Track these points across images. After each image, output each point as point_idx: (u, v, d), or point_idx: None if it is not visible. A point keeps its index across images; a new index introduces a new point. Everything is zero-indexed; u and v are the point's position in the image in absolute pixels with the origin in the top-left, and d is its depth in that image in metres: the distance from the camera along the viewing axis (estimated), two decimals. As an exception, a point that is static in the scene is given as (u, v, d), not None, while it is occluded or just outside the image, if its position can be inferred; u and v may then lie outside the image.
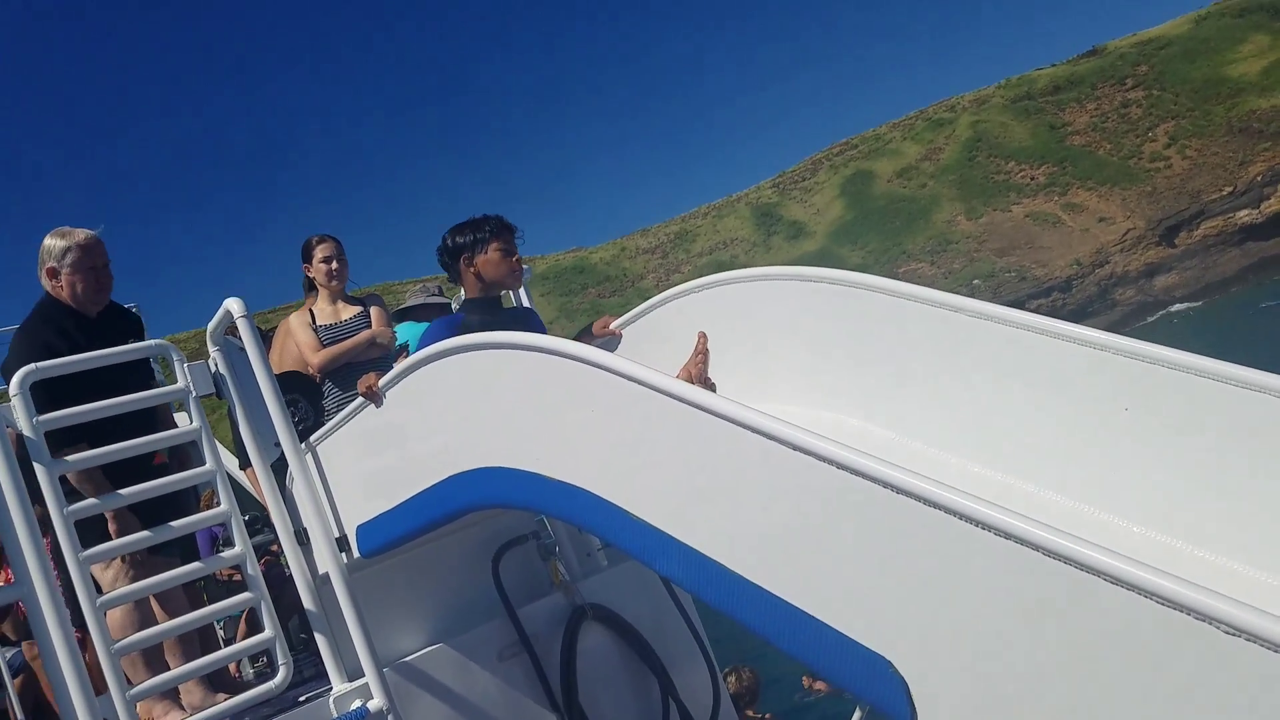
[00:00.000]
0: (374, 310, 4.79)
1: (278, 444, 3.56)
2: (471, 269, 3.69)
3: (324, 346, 4.58)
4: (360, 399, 3.42)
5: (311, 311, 4.73)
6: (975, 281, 43.23)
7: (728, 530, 2.29)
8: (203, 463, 3.55)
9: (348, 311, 4.73)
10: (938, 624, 1.90)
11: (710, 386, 3.31)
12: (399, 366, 3.29)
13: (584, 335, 3.75)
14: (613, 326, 3.74)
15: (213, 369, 3.65)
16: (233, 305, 3.48)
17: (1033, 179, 47.51)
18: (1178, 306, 40.25)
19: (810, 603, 2.11)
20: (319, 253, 4.75)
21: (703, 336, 3.41)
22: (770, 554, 2.20)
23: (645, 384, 2.39)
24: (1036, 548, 1.68)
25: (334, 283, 4.74)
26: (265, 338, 5.11)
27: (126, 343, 3.69)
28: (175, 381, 3.63)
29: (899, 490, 1.88)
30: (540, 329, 3.81)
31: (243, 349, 3.52)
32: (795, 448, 2.04)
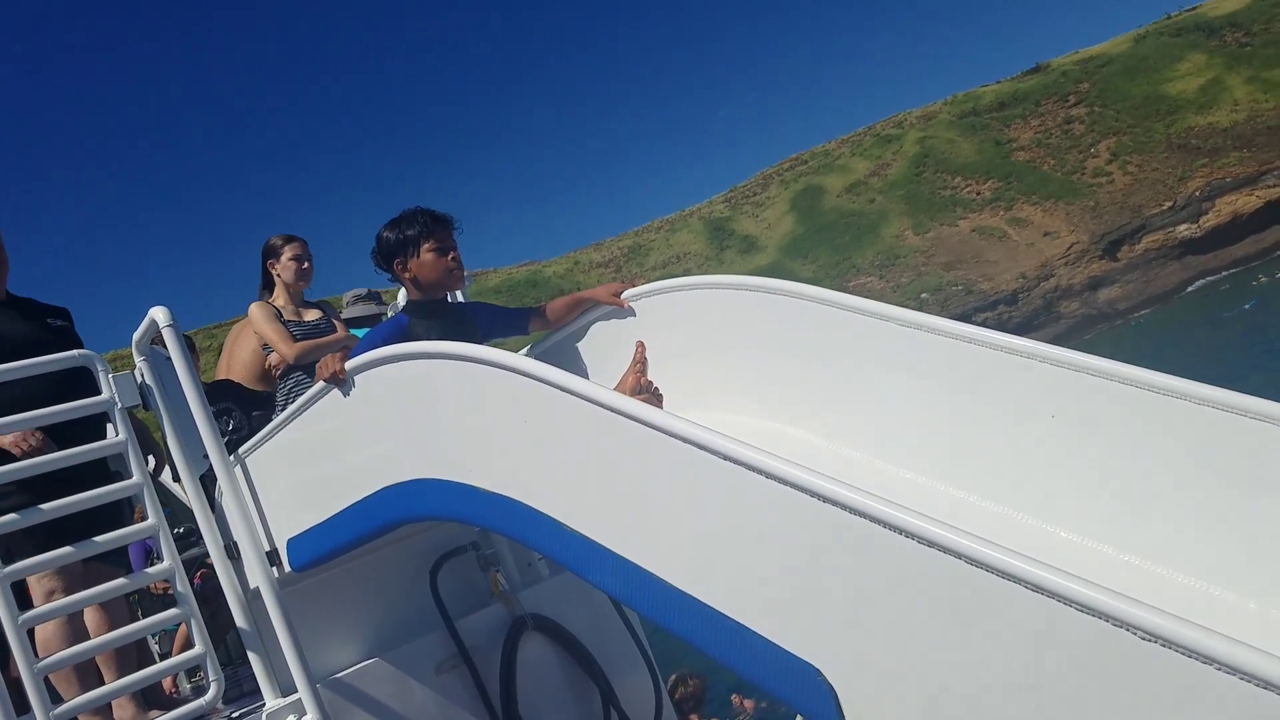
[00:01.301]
0: (336, 322, 4.73)
1: (206, 455, 3.48)
2: (407, 274, 3.44)
3: (296, 340, 4.48)
4: (299, 402, 3.33)
5: (275, 308, 4.63)
6: (923, 295, 43.89)
7: (659, 540, 2.28)
8: (131, 475, 3.45)
9: (310, 314, 4.65)
10: (865, 632, 1.90)
11: (656, 394, 3.23)
12: (354, 361, 3.17)
13: (582, 301, 3.61)
14: (624, 297, 3.51)
15: (139, 380, 3.56)
16: (158, 314, 3.39)
17: (979, 194, 48.41)
18: (1119, 321, 41.23)
19: (740, 611, 2.10)
20: (289, 251, 4.63)
21: (640, 345, 3.35)
22: (700, 563, 2.20)
23: (577, 394, 2.37)
24: (958, 555, 1.69)
25: (302, 282, 4.65)
26: (192, 347, 4.98)
27: (46, 328, 3.62)
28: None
29: (824, 499, 1.88)
30: (490, 317, 3.65)
31: (169, 359, 3.43)
32: (723, 456, 2.04)
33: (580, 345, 3.67)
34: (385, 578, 3.97)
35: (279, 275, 4.58)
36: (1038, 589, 1.60)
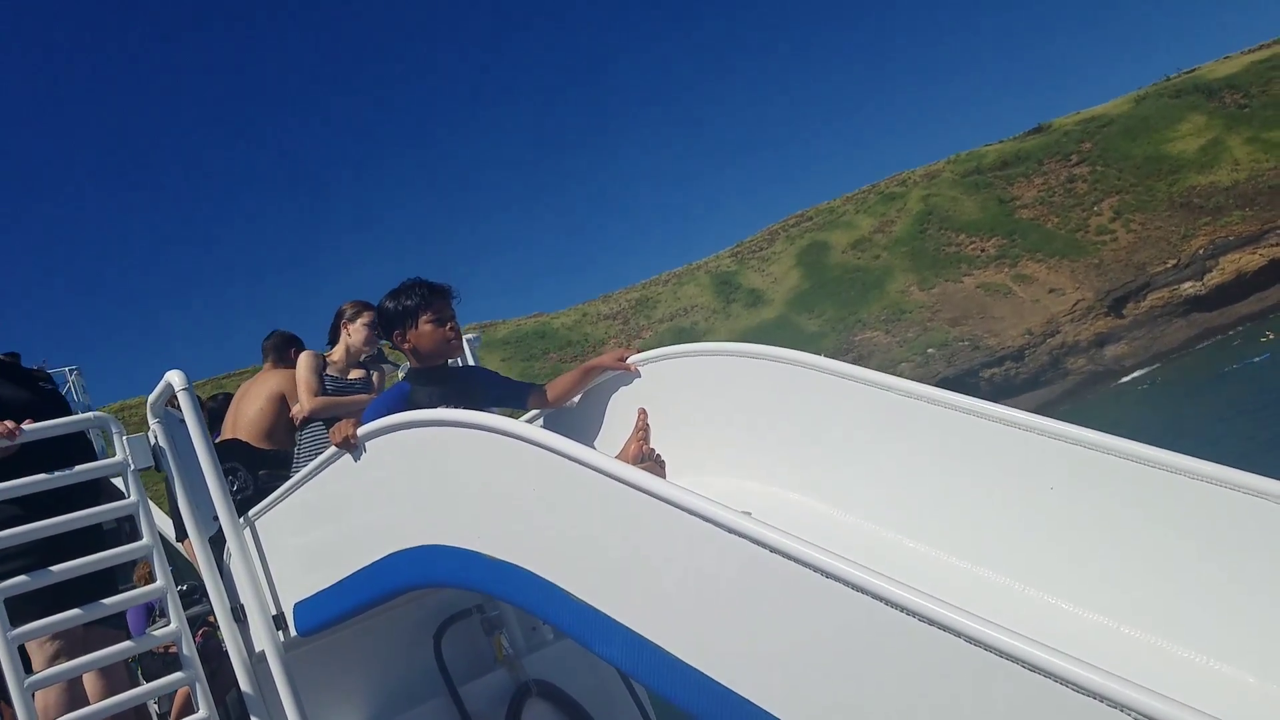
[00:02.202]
0: (375, 376, 4.97)
1: (216, 518, 3.51)
2: (406, 344, 3.50)
3: (324, 394, 4.72)
4: (310, 467, 3.37)
5: (325, 360, 4.88)
6: (929, 350, 43.92)
7: (664, 611, 2.29)
8: (140, 536, 3.48)
9: (355, 373, 4.93)
10: (872, 708, 1.91)
11: (659, 461, 3.23)
12: (365, 428, 3.21)
13: (590, 371, 3.60)
14: (630, 361, 3.51)
15: (152, 441, 3.61)
16: (174, 378, 3.45)
17: (983, 251, 48.68)
18: (1133, 375, 41.17)
19: (747, 686, 2.11)
20: (364, 317, 4.91)
21: (642, 413, 3.34)
22: (705, 635, 2.21)
23: (581, 462, 2.40)
24: (967, 638, 1.71)
25: (367, 348, 4.95)
26: (204, 408, 5.09)
27: (36, 392, 3.68)
28: (114, 449, 3.58)
29: (827, 574, 1.90)
30: (490, 382, 3.70)
31: (183, 421, 3.48)
32: (724, 528, 2.06)
33: (586, 410, 3.71)
34: (389, 642, 3.97)
35: (348, 336, 4.87)
36: (1035, 669, 1.62)
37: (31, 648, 3.49)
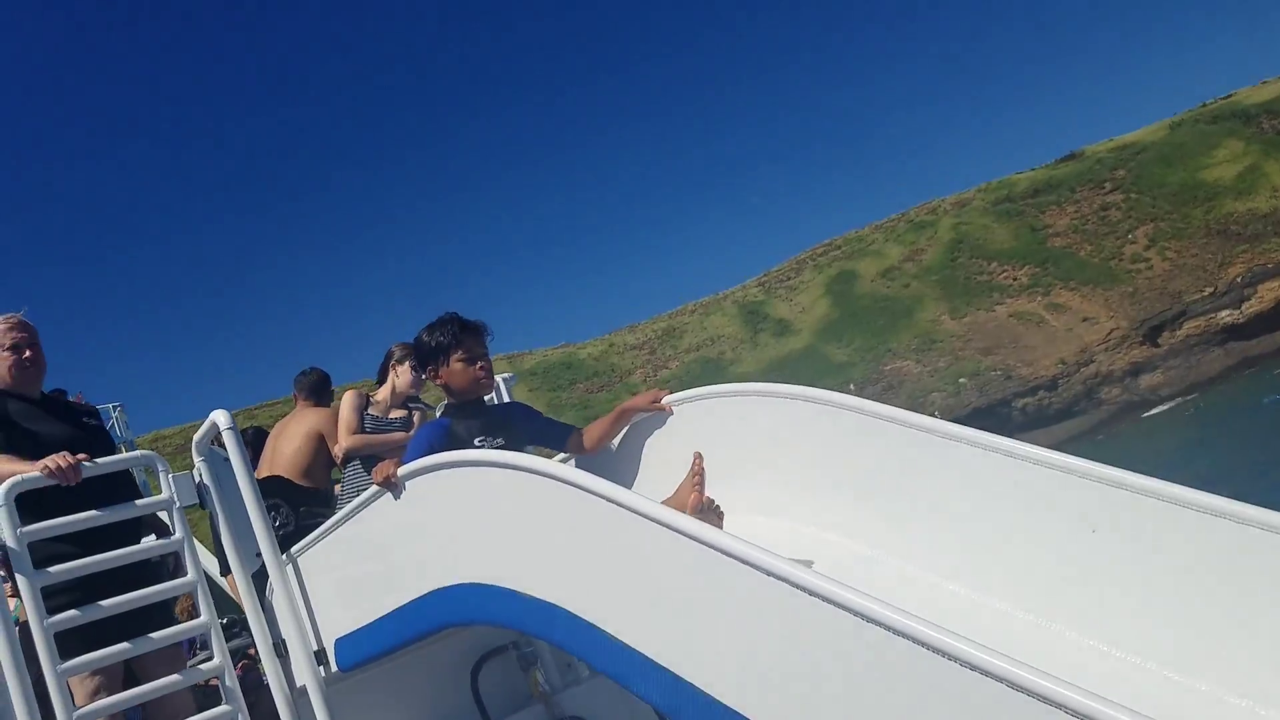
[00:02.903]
0: (416, 415, 5.07)
1: (259, 554, 3.58)
2: (439, 380, 3.57)
3: (362, 432, 4.84)
4: (352, 505, 3.44)
5: (368, 398, 5.02)
6: (961, 380, 43.54)
7: (707, 654, 2.31)
8: (185, 572, 3.55)
9: (397, 412, 5.06)
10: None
11: (717, 512, 3.12)
12: (407, 467, 3.25)
13: (625, 413, 3.60)
14: (665, 401, 3.52)
15: (197, 479, 3.69)
16: (219, 418, 3.54)
17: (1015, 279, 48.30)
18: (1161, 407, 40.51)
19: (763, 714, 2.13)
20: (406, 361, 5.06)
21: (698, 457, 3.27)
22: (747, 679, 2.22)
23: (624, 506, 2.44)
24: (1008, 683, 1.72)
25: (414, 390, 5.09)
26: (247, 438, 5.21)
27: (81, 427, 3.78)
28: (158, 483, 3.67)
29: (873, 621, 1.92)
30: (530, 418, 3.75)
31: (227, 460, 3.56)
32: (777, 577, 2.08)
33: (621, 448, 3.75)
34: (427, 676, 4.00)
35: (396, 377, 5.00)
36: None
37: (73, 683, 3.54)
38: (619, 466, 3.67)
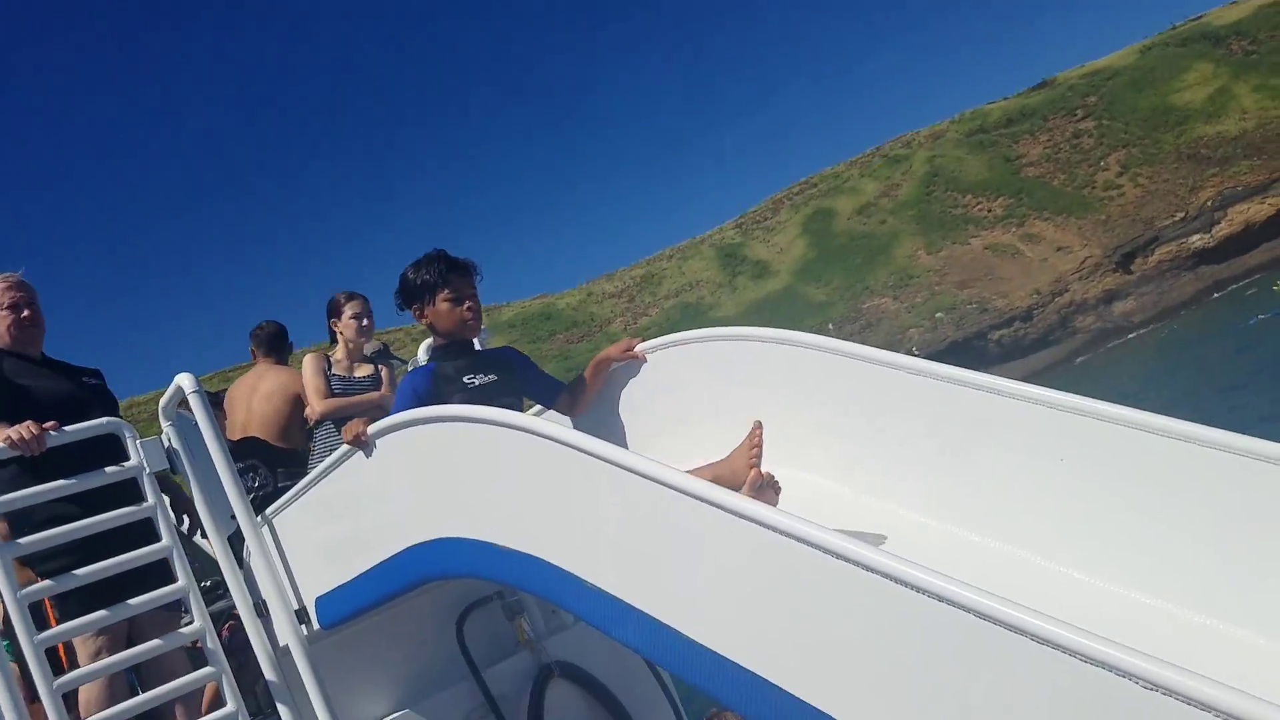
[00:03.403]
0: (385, 372, 4.90)
1: (234, 516, 3.55)
2: (425, 319, 3.41)
3: (331, 395, 4.68)
4: (324, 464, 3.40)
5: (328, 358, 4.81)
6: (938, 314, 43.78)
7: (684, 597, 2.31)
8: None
9: (362, 369, 4.86)
10: (890, 688, 1.93)
11: (774, 485, 2.76)
12: (375, 427, 3.21)
13: (601, 365, 3.53)
14: (638, 350, 3.45)
15: (166, 444, 3.64)
16: (184, 381, 3.48)
17: (990, 211, 48.40)
18: (1134, 334, 40.91)
19: (766, 668, 2.14)
20: (349, 309, 4.89)
21: (758, 427, 2.86)
22: (724, 620, 2.23)
23: (599, 457, 2.42)
24: (980, 615, 1.72)
25: (360, 339, 4.88)
26: (215, 401, 5.11)
27: (81, 386, 3.72)
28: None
29: (846, 559, 1.92)
30: (525, 366, 3.58)
31: (195, 424, 3.52)
32: (751, 520, 2.08)
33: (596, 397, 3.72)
34: (412, 630, 4.01)
35: (341, 333, 4.80)
36: (1044, 642, 1.63)
37: (77, 644, 3.58)
38: (596, 415, 3.65)
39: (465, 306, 3.38)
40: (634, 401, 3.51)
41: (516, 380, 3.50)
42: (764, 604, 2.11)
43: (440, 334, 3.45)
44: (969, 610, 1.73)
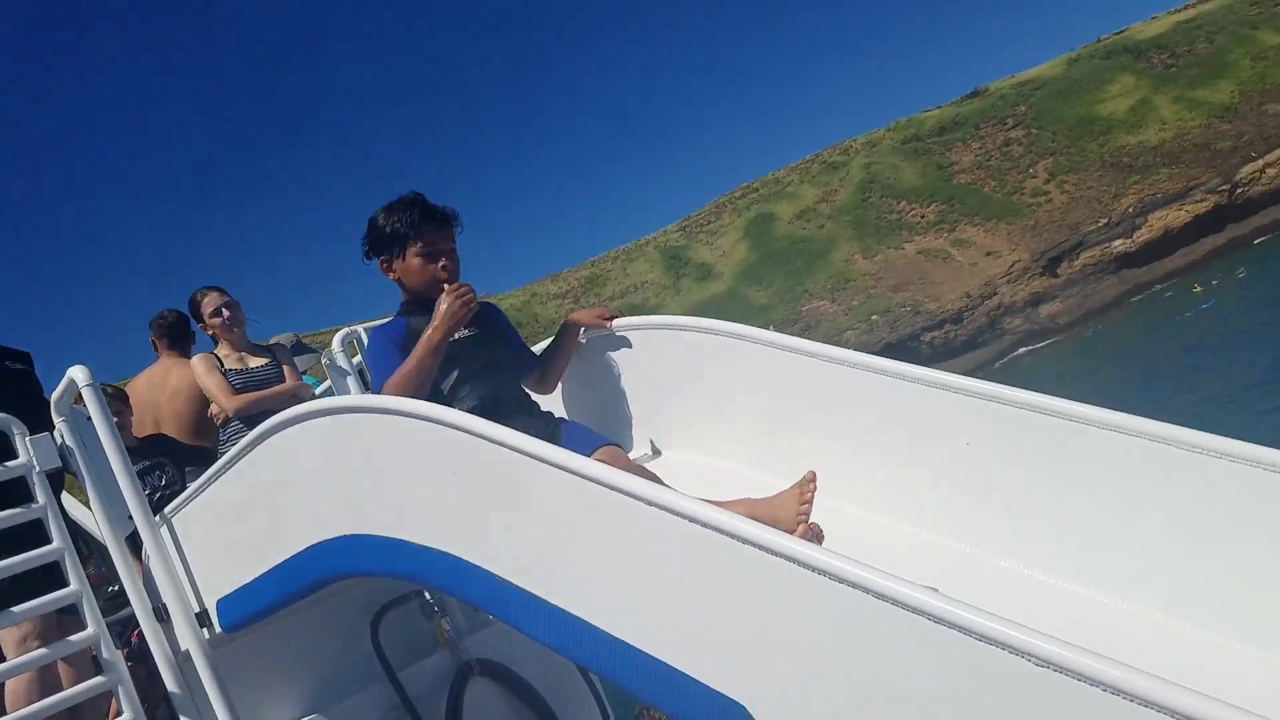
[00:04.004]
0: (286, 368, 4.73)
1: (131, 517, 3.39)
2: (392, 274, 2.98)
3: (237, 392, 4.48)
4: (225, 457, 3.25)
5: (217, 357, 4.62)
6: (874, 317, 44.48)
7: (591, 588, 2.27)
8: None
9: (255, 360, 4.63)
10: (793, 671, 1.91)
11: (818, 534, 2.47)
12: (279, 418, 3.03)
13: (567, 330, 3.34)
14: (612, 325, 3.25)
15: (58, 441, 3.46)
16: (77, 374, 3.31)
17: (923, 217, 49.31)
18: (1060, 335, 42.02)
19: (674, 656, 2.10)
20: (206, 307, 4.67)
21: (811, 478, 2.51)
22: (632, 610, 2.19)
23: (510, 446, 2.34)
24: (873, 594, 1.70)
25: (235, 330, 4.64)
26: (120, 396, 4.90)
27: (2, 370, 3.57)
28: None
29: (745, 541, 1.89)
30: (506, 328, 3.29)
31: (90, 419, 3.35)
32: (650, 503, 2.04)
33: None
34: (325, 631, 3.89)
35: (211, 332, 4.63)
36: (955, 627, 1.61)
37: (5, 635, 3.43)
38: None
39: (441, 265, 2.96)
40: (591, 379, 3.47)
41: (500, 336, 3.21)
42: (682, 597, 2.07)
43: (409, 290, 3.04)
44: (864, 590, 1.70)
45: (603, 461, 2.36)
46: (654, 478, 2.55)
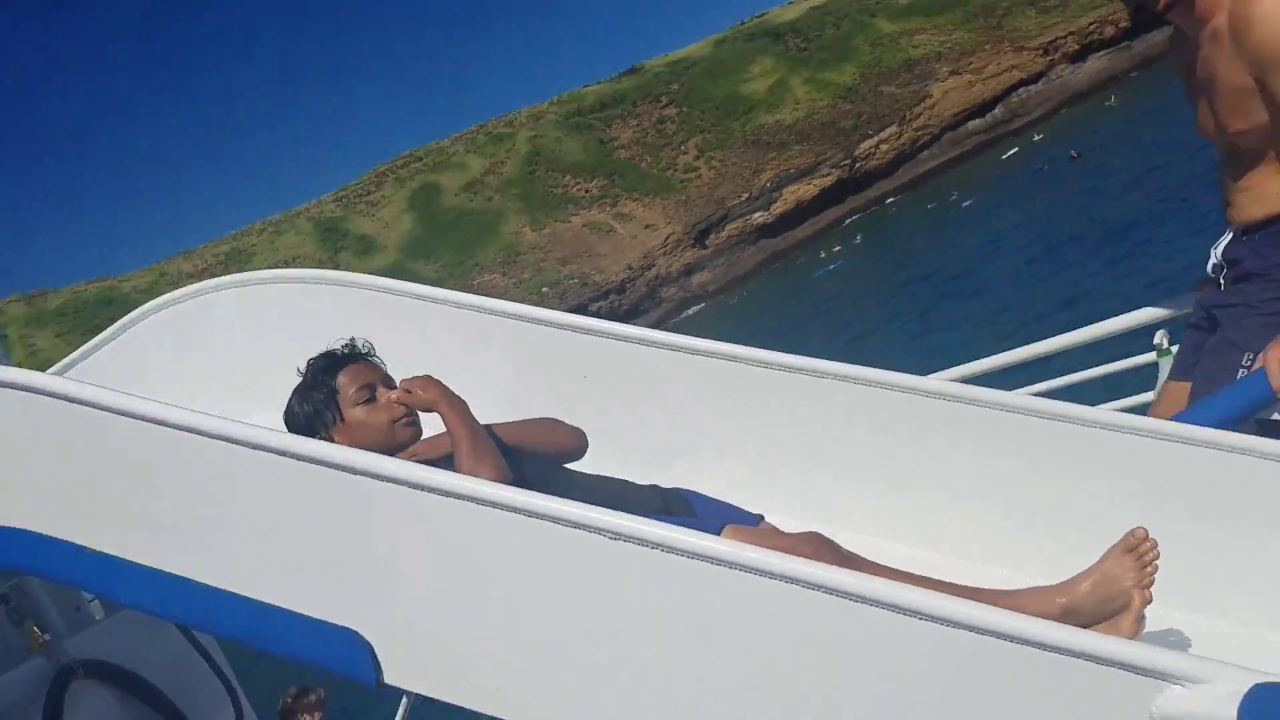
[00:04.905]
0: None
1: None
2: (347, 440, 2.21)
3: None
4: None
5: None
6: (544, 289, 45.64)
7: (184, 542, 2.18)
8: None
9: None
10: (395, 592, 1.95)
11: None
12: None
13: None
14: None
15: None
16: None
17: (587, 191, 51.23)
18: (709, 301, 45.63)
19: (281, 596, 2.08)
20: None
21: (1147, 538, 1.48)
22: (231, 555, 2.14)
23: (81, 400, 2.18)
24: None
25: None
26: None
27: None
28: None
29: (310, 460, 1.90)
30: None
31: None
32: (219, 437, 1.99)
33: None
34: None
35: None
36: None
37: None
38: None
39: (390, 399, 2.24)
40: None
41: None
42: (259, 531, 2.03)
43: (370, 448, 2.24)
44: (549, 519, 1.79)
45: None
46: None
